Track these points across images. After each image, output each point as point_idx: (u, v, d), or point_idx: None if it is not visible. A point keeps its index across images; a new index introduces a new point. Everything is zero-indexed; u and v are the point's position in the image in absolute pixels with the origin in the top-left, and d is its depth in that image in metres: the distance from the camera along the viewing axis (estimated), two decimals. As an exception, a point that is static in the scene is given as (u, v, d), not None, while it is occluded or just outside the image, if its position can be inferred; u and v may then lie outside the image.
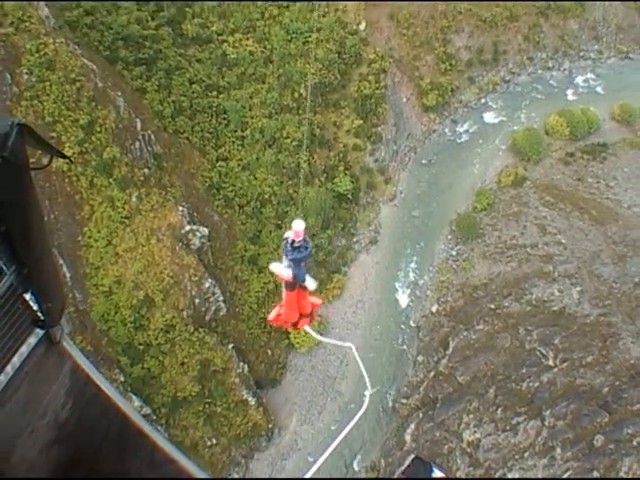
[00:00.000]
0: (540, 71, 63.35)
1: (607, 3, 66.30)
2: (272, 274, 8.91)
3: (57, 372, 6.04)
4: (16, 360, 5.49)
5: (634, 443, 38.20)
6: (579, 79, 63.55)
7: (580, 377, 41.46)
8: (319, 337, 11.45)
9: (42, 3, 45.08)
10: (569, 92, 62.22)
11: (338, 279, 47.54)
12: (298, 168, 50.13)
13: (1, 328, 5.12)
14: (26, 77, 41.24)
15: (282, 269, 8.15)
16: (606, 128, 58.86)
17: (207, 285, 41.24)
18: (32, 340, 5.57)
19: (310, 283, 8.63)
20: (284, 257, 7.79)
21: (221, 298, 42.31)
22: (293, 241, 7.49)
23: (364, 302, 47.12)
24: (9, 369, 5.44)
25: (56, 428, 5.88)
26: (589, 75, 64.06)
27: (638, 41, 67.69)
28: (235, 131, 49.98)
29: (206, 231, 43.78)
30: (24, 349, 5.57)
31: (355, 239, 50.87)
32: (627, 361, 41.92)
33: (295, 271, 8.06)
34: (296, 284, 8.52)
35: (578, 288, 45.84)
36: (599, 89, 63.14)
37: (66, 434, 5.88)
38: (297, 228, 7.27)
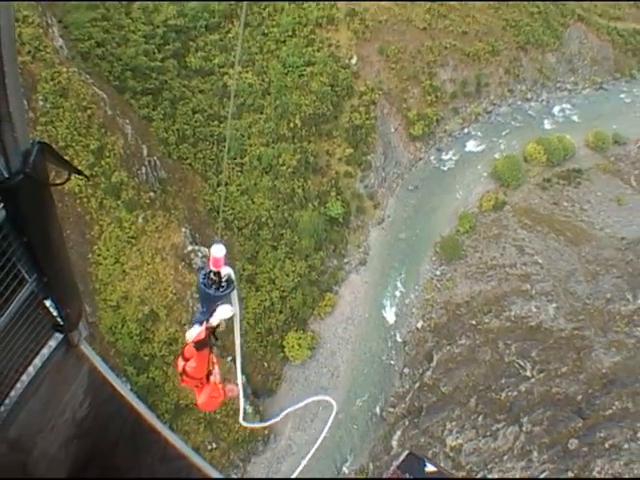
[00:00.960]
0: (520, 102, 65.27)
1: (582, 37, 68.44)
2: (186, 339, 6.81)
3: (75, 373, 6.44)
4: (37, 361, 5.83)
5: (606, 445, 40.51)
6: (556, 109, 65.70)
7: (556, 386, 43.72)
8: (292, 408, 9.45)
9: (57, 34, 47.09)
10: (546, 121, 64.28)
11: (330, 297, 48.83)
12: (293, 193, 51.68)
13: (23, 332, 5.40)
14: (41, 103, 42.67)
15: (197, 330, 6.51)
16: (581, 155, 60.71)
17: None
18: (52, 343, 5.89)
19: (222, 312, 6.56)
20: (199, 302, 6.24)
21: None
22: (212, 274, 5.75)
23: (354, 319, 48.44)
24: (31, 370, 5.80)
25: (75, 425, 6.34)
26: (565, 105, 66.23)
27: (611, 72, 69.98)
28: (235, 158, 51.35)
29: (207, 251, 44.39)
30: (45, 351, 5.89)
31: (346, 260, 52.06)
32: (599, 370, 44.16)
33: (207, 316, 6.37)
34: (208, 344, 6.75)
35: (554, 305, 47.98)
36: (575, 118, 65.17)
37: (84, 430, 6.37)
38: (216, 254, 5.57)
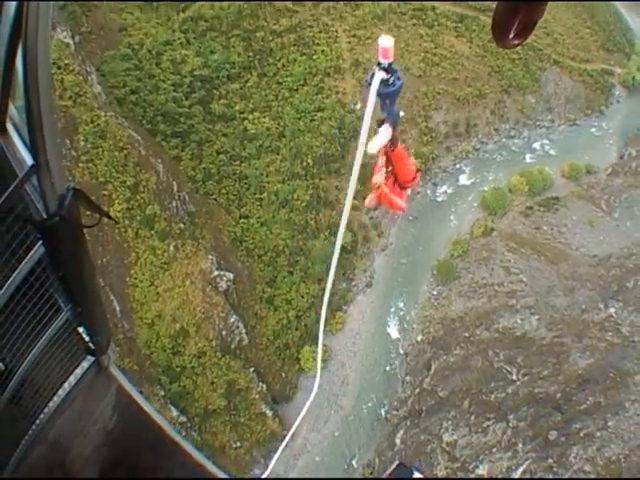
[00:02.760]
0: (504, 139, 67.84)
1: (558, 79, 71.94)
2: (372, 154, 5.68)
3: (106, 391, 6.85)
4: (72, 379, 6.41)
5: (581, 435, 43.17)
6: (536, 144, 68.54)
7: (538, 387, 46.25)
8: None
9: (95, 81, 50.19)
10: (528, 156, 67.03)
11: (340, 316, 51.64)
12: (306, 225, 54.40)
13: (60, 353, 6.00)
14: (82, 144, 45.12)
15: (383, 135, 5.68)
16: (558, 184, 63.43)
17: (232, 320, 45.53)
18: (85, 364, 6.42)
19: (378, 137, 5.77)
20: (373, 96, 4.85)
21: (244, 331, 46.47)
22: (382, 67, 4.83)
23: (361, 334, 51.20)
24: (66, 386, 6.38)
25: (105, 433, 6.80)
26: (544, 141, 69.14)
27: (583, 109, 73.03)
28: (255, 194, 53.93)
29: (231, 276, 47.74)
30: (78, 371, 6.43)
31: (354, 283, 54.63)
32: (575, 372, 46.68)
33: (388, 110, 5.49)
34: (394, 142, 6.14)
35: (536, 316, 50.48)
36: (552, 152, 67.87)
37: (113, 438, 6.81)
38: (384, 44, 4.71)
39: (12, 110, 4.17)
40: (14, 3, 3.31)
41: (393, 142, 6.12)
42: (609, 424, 44.00)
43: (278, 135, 57.58)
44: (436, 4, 70.63)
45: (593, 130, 72.40)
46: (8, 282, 4.78)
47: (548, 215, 59.92)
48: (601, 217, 60.19)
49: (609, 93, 76.93)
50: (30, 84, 3.21)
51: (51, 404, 6.58)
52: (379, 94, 4.86)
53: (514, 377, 47.50)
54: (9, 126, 4.19)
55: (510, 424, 44.95)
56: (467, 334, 50.92)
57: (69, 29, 50.31)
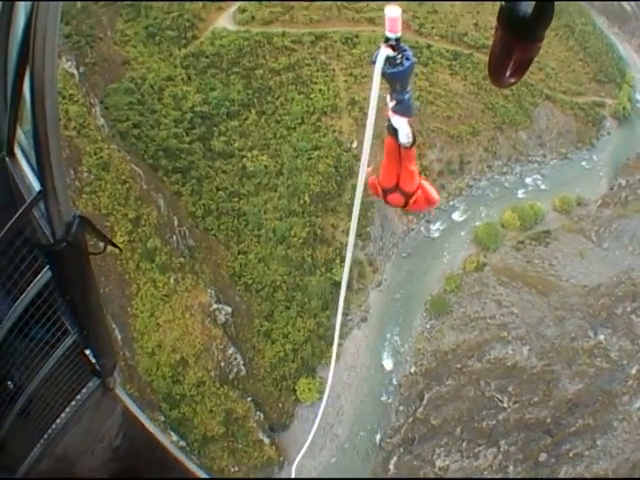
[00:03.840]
0: (497, 176, 73.32)
1: (549, 114, 78.00)
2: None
3: (111, 411, 7.63)
4: (79, 397, 7.23)
5: (570, 455, 49.43)
6: (528, 180, 74.09)
7: (528, 413, 52.09)
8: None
9: (99, 114, 54.01)
10: (520, 191, 72.51)
11: None
12: (303, 261, 58.56)
13: (67, 373, 6.80)
14: (86, 175, 48.85)
15: (403, 127, 5.75)
16: (549, 218, 69.01)
17: (230, 352, 50.57)
18: (91, 384, 7.21)
19: (402, 134, 5.83)
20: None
21: (242, 362, 51.51)
22: (389, 43, 4.54)
23: (356, 367, 56.20)
24: (73, 404, 7.21)
25: (111, 450, 7.61)
26: (536, 176, 74.81)
27: (574, 143, 79.22)
28: (253, 230, 57.59)
29: (230, 310, 52.58)
30: (85, 391, 7.25)
31: (349, 317, 59.00)
32: (565, 397, 52.56)
33: (398, 97, 5.26)
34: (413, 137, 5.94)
35: (527, 347, 56.02)
36: (543, 187, 73.46)
37: (119, 455, 7.64)
38: (391, 14, 4.37)
39: (20, 134, 4.66)
40: (21, 27, 3.75)
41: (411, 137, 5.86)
42: (598, 443, 49.77)
43: (276, 173, 61.45)
44: (431, 42, 76.79)
45: (584, 163, 78.42)
46: (16, 304, 5.27)
47: (539, 248, 65.34)
48: (591, 248, 65.53)
49: (600, 125, 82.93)
50: (37, 110, 3.52)
51: (58, 421, 7.24)
52: (385, 75, 4.63)
53: (505, 405, 53.15)
54: (17, 150, 4.66)
55: (501, 449, 50.68)
56: (459, 365, 56.37)
57: (74, 59, 55.71)
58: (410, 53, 4.80)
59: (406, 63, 4.79)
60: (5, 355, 6.15)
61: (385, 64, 4.72)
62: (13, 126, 4.49)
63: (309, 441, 14.44)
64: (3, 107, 4.42)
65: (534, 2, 2.81)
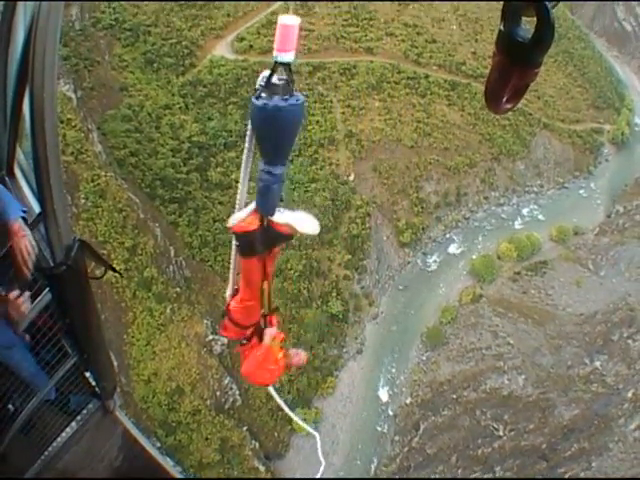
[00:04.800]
0: (494, 207, 78.35)
1: (547, 143, 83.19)
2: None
3: (111, 432, 8.26)
4: (79, 418, 7.81)
5: (566, 477, 53.52)
6: (525, 210, 79.32)
7: (524, 440, 56.07)
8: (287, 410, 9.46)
9: (96, 140, 56.06)
10: (517, 222, 77.67)
11: (331, 381, 60.46)
12: (299, 294, 61.65)
13: (67, 394, 7.39)
14: (83, 201, 50.73)
15: (246, 212, 5.56)
16: (546, 248, 73.91)
17: (226, 382, 53.46)
18: (91, 406, 7.81)
19: (306, 223, 5.55)
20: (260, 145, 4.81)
21: (237, 392, 54.41)
22: (276, 70, 4.37)
23: (352, 398, 60.19)
24: (74, 424, 7.79)
25: (111, 470, 8.20)
26: (533, 206, 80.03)
27: (571, 171, 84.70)
28: None
29: (226, 340, 53.01)
30: (85, 412, 7.83)
31: (345, 350, 63.06)
32: (561, 423, 56.55)
33: (266, 168, 4.96)
34: (258, 250, 5.46)
35: (523, 376, 60.09)
36: (540, 217, 78.69)
37: (120, 475, 8.28)
38: (288, 22, 4.31)
39: (20, 154, 4.97)
40: (20, 45, 3.89)
41: (246, 247, 5.63)
42: (593, 465, 53.81)
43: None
44: (429, 72, 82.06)
45: (581, 191, 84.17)
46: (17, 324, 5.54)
47: (536, 279, 70.21)
48: (588, 276, 70.33)
49: (598, 152, 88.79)
50: (36, 131, 3.59)
51: (59, 439, 7.79)
52: (257, 115, 4.29)
53: (500, 433, 57.23)
54: (17, 170, 4.97)
55: (496, 475, 54.86)
56: (455, 396, 60.55)
57: (72, 83, 58.22)
58: (301, 97, 4.53)
59: (290, 101, 4.34)
60: (5, 374, 6.40)
61: (263, 93, 4.26)
62: (13, 146, 4.70)
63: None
64: (2, 126, 4.62)
65: (534, 27, 2.87)
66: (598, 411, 57.41)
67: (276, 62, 4.27)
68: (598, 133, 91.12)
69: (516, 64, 3.08)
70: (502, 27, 3.06)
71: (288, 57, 4.30)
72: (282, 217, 5.76)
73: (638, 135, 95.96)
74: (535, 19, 2.83)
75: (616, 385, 59.19)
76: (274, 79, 4.49)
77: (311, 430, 28.43)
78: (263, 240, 5.87)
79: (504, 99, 3.26)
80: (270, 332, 6.61)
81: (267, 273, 6.15)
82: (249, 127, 4.82)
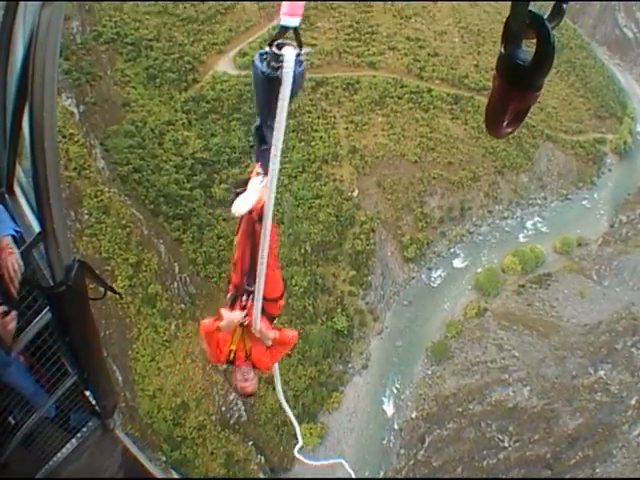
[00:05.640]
0: (498, 221, 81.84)
1: (550, 154, 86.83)
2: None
3: (112, 450, 8.72)
4: (79, 435, 8.28)
5: None
6: (529, 223, 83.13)
7: (529, 450, 59.75)
8: (314, 462, 14.36)
9: (99, 156, 57.83)
10: (521, 235, 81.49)
11: (336, 396, 63.61)
12: (304, 310, 64.39)
13: (67, 413, 7.80)
14: (86, 217, 52.47)
15: (252, 193, 5.66)
16: (550, 260, 77.64)
17: (231, 398, 56.24)
18: (91, 424, 8.29)
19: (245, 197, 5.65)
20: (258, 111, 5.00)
21: (243, 408, 57.64)
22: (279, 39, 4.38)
23: (357, 413, 63.40)
24: (74, 441, 8.22)
25: None
26: (537, 219, 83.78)
27: (575, 183, 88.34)
28: None
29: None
30: (85, 429, 8.31)
31: (350, 365, 66.12)
32: (565, 432, 60.21)
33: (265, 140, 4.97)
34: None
35: (528, 388, 63.64)
36: (544, 229, 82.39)
37: None
38: None
39: (19, 172, 5.09)
40: (19, 60, 3.95)
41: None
42: (597, 471, 57.47)
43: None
44: (432, 86, 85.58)
45: (585, 202, 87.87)
46: (16, 342, 5.84)
47: (540, 291, 73.93)
48: (592, 287, 73.87)
49: (601, 163, 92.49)
50: (36, 151, 3.66)
51: (59, 454, 8.35)
52: (262, 81, 4.45)
53: (506, 444, 60.87)
54: (17, 188, 5.10)
55: None
56: (460, 409, 64.20)
57: (74, 97, 60.75)
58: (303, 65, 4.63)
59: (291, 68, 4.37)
60: (5, 389, 6.71)
61: (263, 65, 4.48)
62: (12, 163, 4.88)
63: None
64: (2, 143, 4.80)
65: (534, 49, 2.90)
66: (602, 420, 60.59)
67: (282, 27, 4.26)
68: (601, 143, 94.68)
69: (517, 88, 3.20)
70: (503, 50, 3.15)
71: (295, 22, 4.24)
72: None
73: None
74: (535, 41, 2.92)
75: (620, 393, 62.43)
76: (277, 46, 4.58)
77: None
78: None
79: (504, 123, 3.41)
80: (227, 315, 6.21)
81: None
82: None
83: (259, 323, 6.01)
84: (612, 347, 66.57)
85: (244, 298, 6.32)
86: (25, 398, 7.18)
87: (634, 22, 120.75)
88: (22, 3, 3.71)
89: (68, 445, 8.37)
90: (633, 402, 61.68)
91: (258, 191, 5.67)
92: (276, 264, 6.24)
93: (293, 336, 6.84)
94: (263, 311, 6.02)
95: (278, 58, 4.57)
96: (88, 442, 8.32)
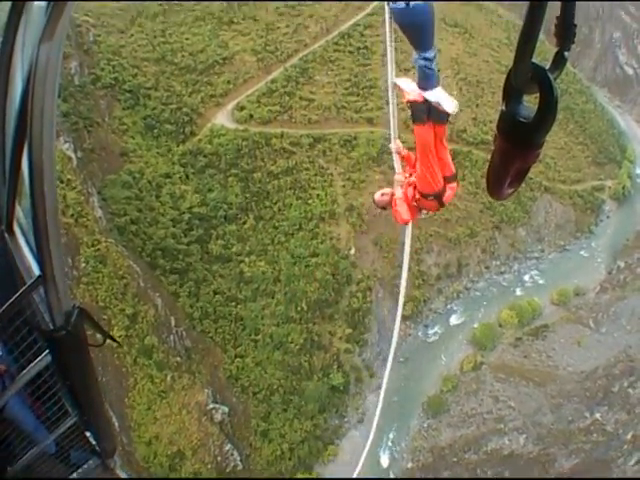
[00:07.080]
0: (495, 276, 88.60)
1: (548, 206, 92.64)
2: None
3: None
4: (81, 471, 8.73)
5: None
6: (526, 277, 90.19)
7: None
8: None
9: (97, 204, 61.94)
10: (518, 289, 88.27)
11: (332, 449, 68.63)
12: (300, 366, 69.14)
13: (67, 450, 8.20)
14: (83, 265, 55.90)
15: (408, 84, 7.42)
16: (547, 312, 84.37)
17: (227, 448, 61.01)
18: (92, 462, 8.72)
19: (446, 102, 7.73)
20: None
21: (238, 458, 61.98)
22: None
23: (353, 464, 61.02)
24: (74, 475, 8.72)
25: None
26: (534, 272, 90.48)
27: (573, 233, 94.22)
28: (250, 335, 67.82)
29: (226, 409, 62.24)
30: (86, 466, 8.73)
31: (346, 419, 71.05)
32: (561, 474, 65.11)
33: (419, 60, 6.95)
34: (428, 107, 7.75)
35: (524, 435, 69.03)
36: (541, 281, 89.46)
37: None
38: None
39: (19, 211, 5.25)
40: (19, 95, 4.15)
41: (423, 114, 7.53)
42: None
43: (274, 279, 72.53)
44: None
45: (582, 252, 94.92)
46: (16, 381, 6.35)
47: (537, 342, 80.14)
48: (589, 335, 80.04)
49: (599, 210, 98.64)
50: (36, 194, 3.82)
51: None
52: (396, 19, 5.25)
53: None
54: (16, 228, 5.25)
55: None
56: (456, 459, 69.75)
57: (72, 142, 64.69)
58: None
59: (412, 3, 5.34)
60: (4, 422, 7.30)
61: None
62: (12, 202, 5.00)
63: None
64: (1, 182, 4.95)
65: (536, 105, 2.98)
66: (598, 457, 65.55)
67: None
68: (599, 190, 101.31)
69: (519, 147, 3.27)
70: (504, 107, 3.21)
71: None
72: (431, 94, 7.98)
73: (639, 187, 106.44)
74: (538, 96, 3.01)
75: (616, 432, 67.77)
76: None
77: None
78: (427, 111, 8.68)
79: (506, 184, 3.55)
80: (397, 177, 9.16)
81: (439, 140, 8.78)
82: (387, 33, 6.71)
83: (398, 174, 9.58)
84: (609, 390, 71.78)
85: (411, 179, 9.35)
86: (25, 432, 7.73)
87: (635, 58, 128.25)
88: (20, 30, 3.97)
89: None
90: (628, 437, 66.28)
91: (407, 85, 8.37)
92: (428, 167, 9.06)
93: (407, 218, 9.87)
94: (418, 201, 9.17)
95: None
96: (89, 477, 8.98)
